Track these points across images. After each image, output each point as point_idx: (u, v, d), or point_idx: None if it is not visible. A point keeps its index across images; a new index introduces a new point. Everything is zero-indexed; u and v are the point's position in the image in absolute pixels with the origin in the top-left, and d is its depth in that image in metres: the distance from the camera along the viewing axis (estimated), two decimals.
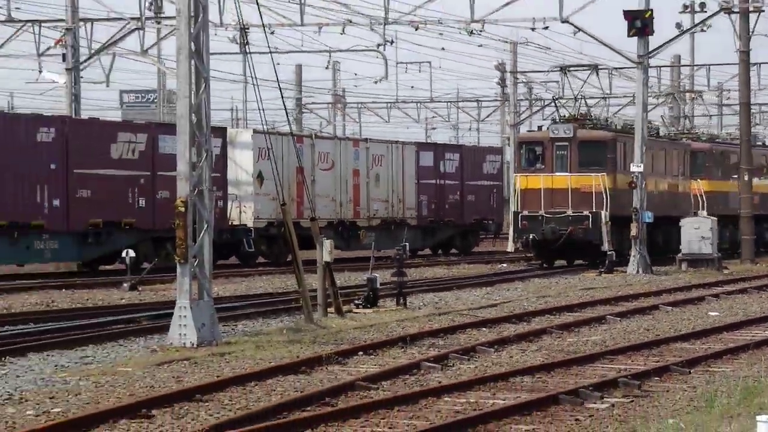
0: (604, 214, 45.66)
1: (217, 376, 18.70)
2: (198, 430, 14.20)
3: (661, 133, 53.56)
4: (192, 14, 23.19)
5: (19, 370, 19.71)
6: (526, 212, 46.51)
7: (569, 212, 45.99)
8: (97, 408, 15.87)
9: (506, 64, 77.90)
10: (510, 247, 48.81)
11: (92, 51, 50.30)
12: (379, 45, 52.45)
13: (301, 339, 23.59)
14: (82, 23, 49.72)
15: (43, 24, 50.52)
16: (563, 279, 41.54)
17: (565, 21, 45.99)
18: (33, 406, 16.30)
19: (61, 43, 49.70)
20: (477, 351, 22.11)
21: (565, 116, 48.85)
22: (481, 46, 65.28)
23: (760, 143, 66.01)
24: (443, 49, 64.45)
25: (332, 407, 16.20)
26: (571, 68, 53.37)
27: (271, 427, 14.57)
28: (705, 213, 51.39)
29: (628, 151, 47.35)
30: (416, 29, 48.53)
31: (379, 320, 27.39)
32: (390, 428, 15.00)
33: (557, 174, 46.49)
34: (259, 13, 27.50)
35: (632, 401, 17.16)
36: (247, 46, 30.70)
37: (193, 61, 23.19)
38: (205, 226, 23.25)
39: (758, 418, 7.47)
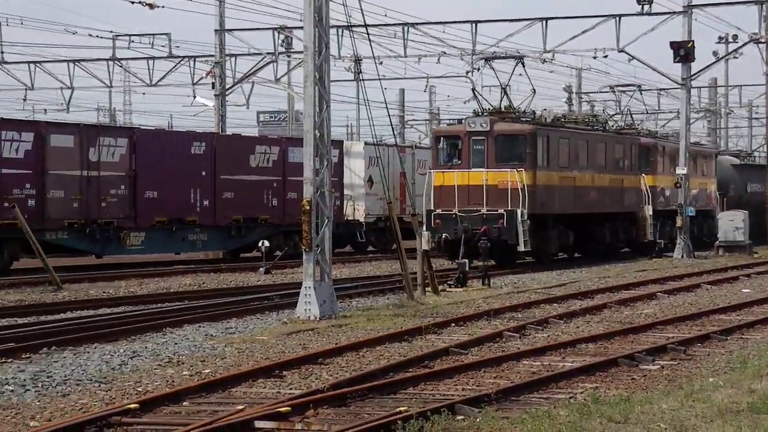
0: (521, 212, 35.42)
1: (336, 344, 18.64)
2: (320, 388, 14.15)
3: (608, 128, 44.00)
4: (316, 49, 23.19)
5: (177, 338, 19.81)
6: (439, 210, 36.13)
7: (483, 210, 35.84)
8: (239, 369, 15.87)
9: (572, 86, 77.32)
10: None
11: (235, 80, 50.64)
12: (467, 72, 52.25)
13: (404, 313, 23.51)
14: (228, 58, 50.11)
15: (197, 59, 51.07)
16: (621, 263, 41.00)
17: (621, 50, 45.50)
18: (188, 368, 16.37)
19: (211, 74, 50.13)
20: (549, 322, 21.90)
21: (489, 109, 37.91)
22: (552, 72, 64.60)
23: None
24: (521, 74, 63.79)
25: (430, 369, 16.07)
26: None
27: (380, 385, 14.48)
28: (650, 208, 43.88)
29: (552, 145, 37.62)
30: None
31: (467, 298, 27.24)
32: (477, 386, 14.84)
33: (474, 170, 36.13)
34: (371, 47, 27.62)
35: (679, 363, 16.88)
36: (360, 74, 30.69)
37: (317, 87, 23.18)
38: (326, 221, 23.24)
39: None
